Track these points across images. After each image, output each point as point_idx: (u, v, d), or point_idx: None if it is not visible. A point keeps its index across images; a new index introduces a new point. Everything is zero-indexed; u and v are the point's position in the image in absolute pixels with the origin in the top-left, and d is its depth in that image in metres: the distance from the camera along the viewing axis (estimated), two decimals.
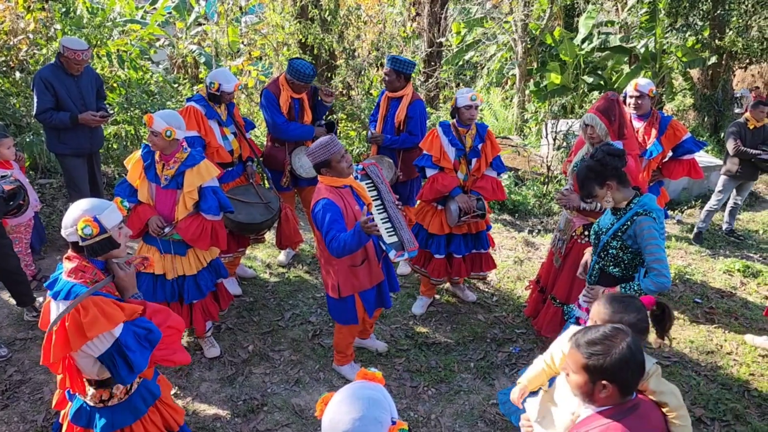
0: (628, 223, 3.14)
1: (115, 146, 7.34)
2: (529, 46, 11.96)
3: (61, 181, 6.65)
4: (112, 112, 5.80)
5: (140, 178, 3.89)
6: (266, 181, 5.28)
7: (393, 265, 4.25)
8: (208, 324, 4.40)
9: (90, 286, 2.54)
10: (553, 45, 12.42)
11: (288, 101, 5.07)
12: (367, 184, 4.01)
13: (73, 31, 6.63)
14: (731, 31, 10.89)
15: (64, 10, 6.63)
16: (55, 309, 2.57)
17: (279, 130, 5.09)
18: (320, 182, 3.69)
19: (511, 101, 12.86)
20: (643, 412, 2.10)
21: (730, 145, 6.51)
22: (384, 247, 3.82)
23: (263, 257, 5.90)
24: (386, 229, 3.89)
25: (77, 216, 2.54)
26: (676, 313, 5.23)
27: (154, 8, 9.02)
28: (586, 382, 2.06)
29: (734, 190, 6.92)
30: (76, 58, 5.09)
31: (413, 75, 5.24)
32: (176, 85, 8.32)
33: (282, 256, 5.84)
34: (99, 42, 7.00)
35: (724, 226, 7.18)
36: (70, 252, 2.62)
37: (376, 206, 3.98)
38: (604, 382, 2.03)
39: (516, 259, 6.17)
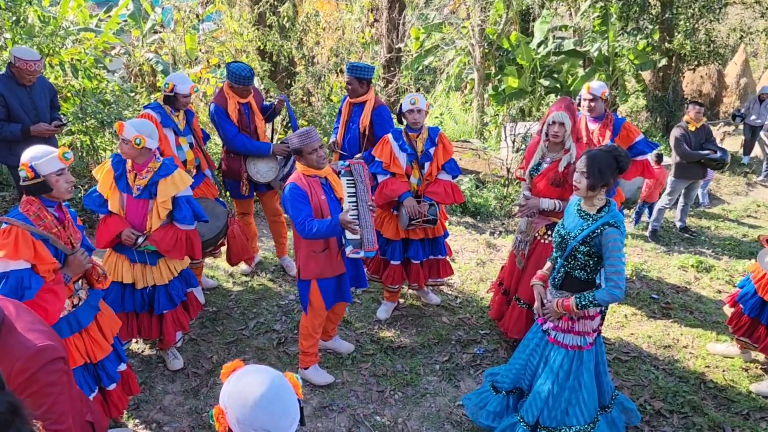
0: (598, 231, 3.17)
1: None
2: (486, 50, 12.16)
3: (15, 193, 6.47)
4: (66, 121, 5.67)
5: (111, 188, 3.81)
6: (222, 191, 5.24)
7: (362, 263, 4.31)
8: (178, 334, 4.34)
9: (33, 219, 2.97)
10: (510, 49, 12.65)
11: (237, 108, 5.02)
12: (348, 180, 4.11)
13: (24, 41, 6.46)
14: (679, 34, 11.27)
15: (14, 19, 6.45)
16: None
17: (232, 144, 5.06)
18: (296, 167, 3.89)
19: (470, 105, 13.05)
20: None
21: (677, 151, 6.75)
22: (344, 241, 3.87)
23: (226, 266, 5.84)
24: None
25: (23, 161, 2.96)
26: (633, 309, 5.37)
27: (109, 16, 8.84)
28: None
29: (683, 190, 7.17)
30: (27, 69, 4.97)
31: (373, 80, 5.25)
32: (133, 94, 8.18)
33: (245, 265, 5.79)
34: (51, 51, 6.83)
35: (678, 224, 7.42)
36: None
37: (349, 201, 4.07)
38: None
39: (478, 261, 6.25)
